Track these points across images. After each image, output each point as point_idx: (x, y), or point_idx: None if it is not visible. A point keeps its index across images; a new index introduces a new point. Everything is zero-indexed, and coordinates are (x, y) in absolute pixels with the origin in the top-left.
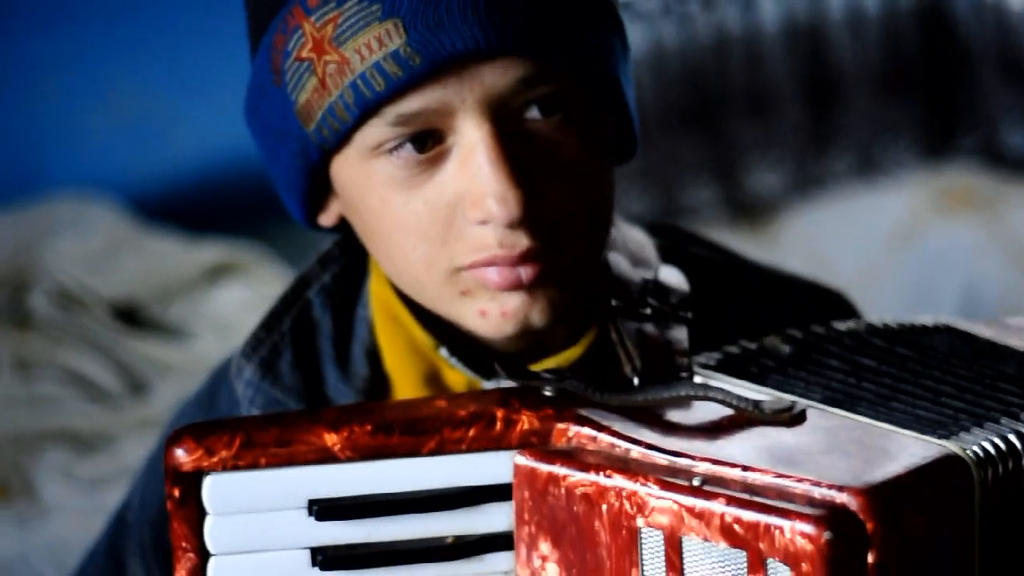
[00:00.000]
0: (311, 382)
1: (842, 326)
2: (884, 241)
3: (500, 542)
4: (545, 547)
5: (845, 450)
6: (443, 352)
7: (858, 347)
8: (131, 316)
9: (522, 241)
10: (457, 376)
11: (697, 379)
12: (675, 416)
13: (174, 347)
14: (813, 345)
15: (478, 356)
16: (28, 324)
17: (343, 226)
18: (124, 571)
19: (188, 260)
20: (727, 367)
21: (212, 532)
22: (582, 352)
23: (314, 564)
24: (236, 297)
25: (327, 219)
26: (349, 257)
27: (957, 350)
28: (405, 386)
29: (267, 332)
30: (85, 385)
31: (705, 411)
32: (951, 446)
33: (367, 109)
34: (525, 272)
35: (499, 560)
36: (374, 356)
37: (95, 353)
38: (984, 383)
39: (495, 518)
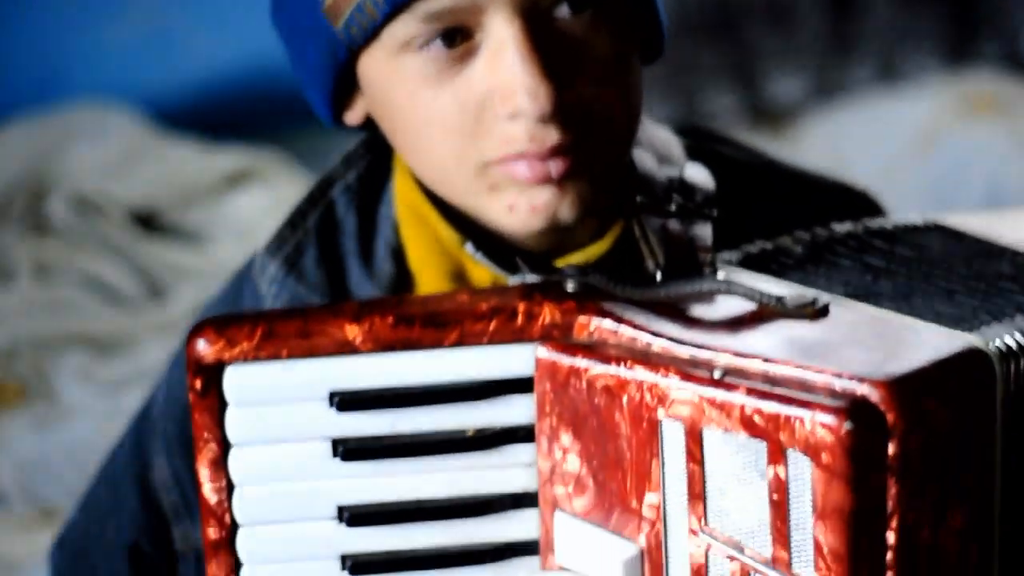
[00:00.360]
0: (335, 279)
1: (843, 228)
2: (905, 147)
3: (521, 434)
4: (566, 439)
5: (867, 343)
6: (468, 248)
7: (862, 248)
8: (149, 222)
9: (552, 135)
10: (482, 273)
11: (720, 275)
12: (697, 310)
13: (192, 252)
14: (823, 245)
15: (503, 253)
16: (47, 230)
17: (367, 125)
18: (149, 467)
19: (207, 166)
20: (750, 263)
21: (233, 423)
22: (607, 248)
23: (335, 455)
24: (254, 203)
25: (353, 117)
26: (374, 156)
27: (951, 250)
28: (429, 284)
29: (291, 230)
30: (104, 289)
31: (727, 305)
32: (974, 340)
33: (397, 5)
34: (555, 166)
35: (520, 452)
36: (398, 254)
37: (114, 258)
38: (987, 282)
39: (516, 411)
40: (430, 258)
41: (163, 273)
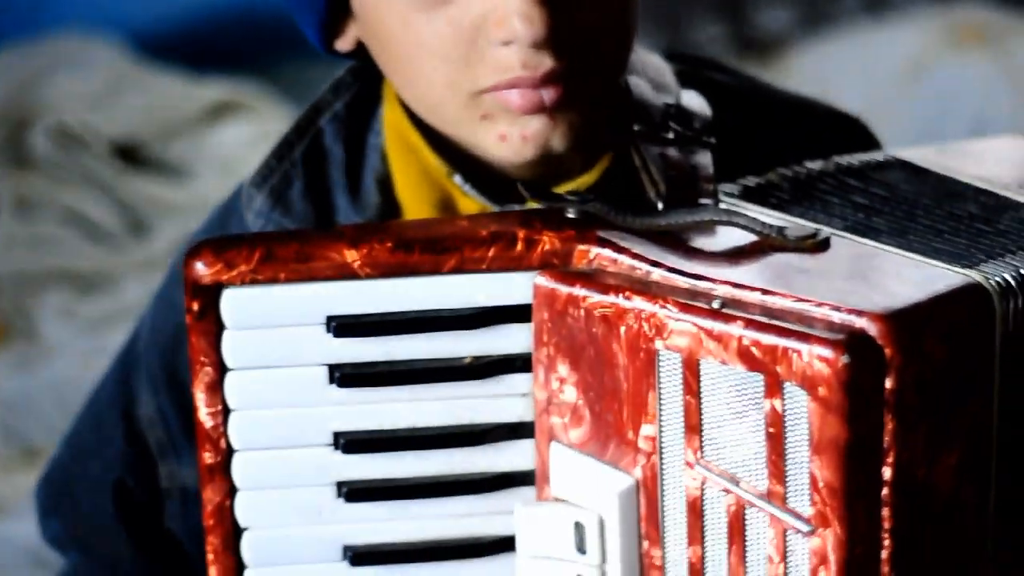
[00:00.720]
0: (322, 211)
1: (818, 165)
2: (894, 77)
3: (518, 363)
4: (563, 369)
5: (867, 277)
6: (457, 179)
7: (841, 185)
8: (132, 154)
9: (545, 62)
10: (471, 204)
11: (721, 206)
12: (698, 241)
13: (175, 186)
14: (807, 181)
15: (492, 183)
16: (28, 163)
17: (357, 52)
18: (134, 403)
19: (190, 98)
20: (751, 195)
21: (229, 346)
22: (595, 179)
23: (331, 381)
24: (238, 136)
25: (344, 44)
26: (362, 84)
27: (920, 189)
28: (417, 215)
29: (278, 161)
30: (86, 225)
31: (728, 236)
32: (974, 275)
33: None
34: (547, 94)
35: (517, 381)
36: (386, 185)
37: (96, 192)
38: (962, 223)
39: (514, 339)
40: (418, 189)
41: (146, 208)
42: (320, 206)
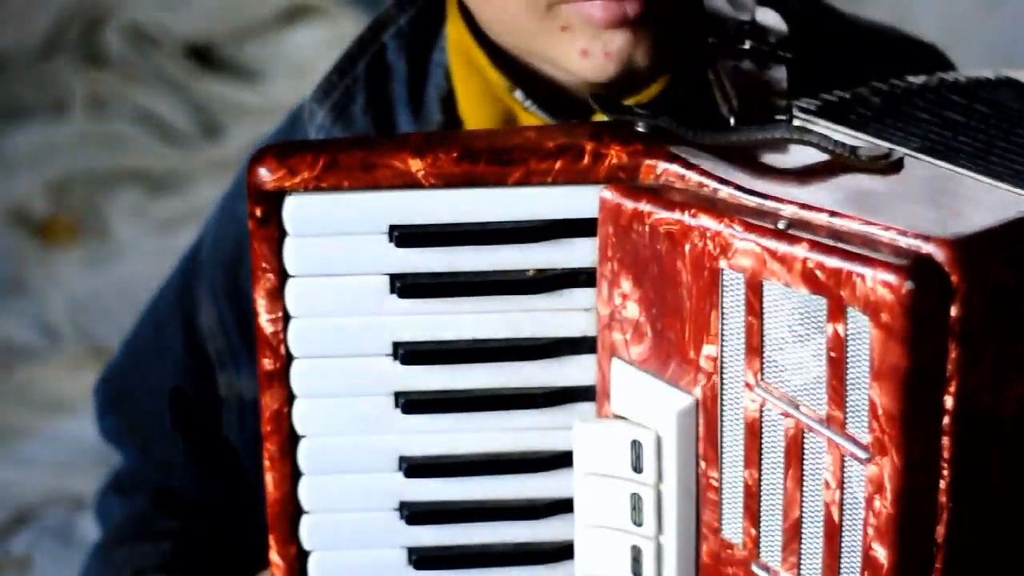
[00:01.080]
0: (383, 127)
1: (919, 80)
2: (970, 3)
3: (582, 278)
4: (627, 285)
5: (938, 200)
6: (518, 95)
7: (940, 102)
8: (205, 55)
9: None
10: (533, 121)
11: (795, 123)
12: (768, 158)
13: (248, 88)
14: (901, 98)
15: (554, 101)
16: (101, 61)
17: None
18: (195, 311)
19: (264, 1)
20: (827, 113)
21: (291, 253)
22: (656, 93)
23: (392, 291)
24: (312, 39)
25: None
26: (426, 1)
27: None
28: None
29: (340, 76)
30: (159, 125)
31: (800, 155)
32: None
33: None
34: (631, 7)
35: (580, 296)
36: (448, 102)
37: (169, 92)
38: None
39: (578, 253)
40: (481, 106)
41: (218, 109)
42: (381, 122)
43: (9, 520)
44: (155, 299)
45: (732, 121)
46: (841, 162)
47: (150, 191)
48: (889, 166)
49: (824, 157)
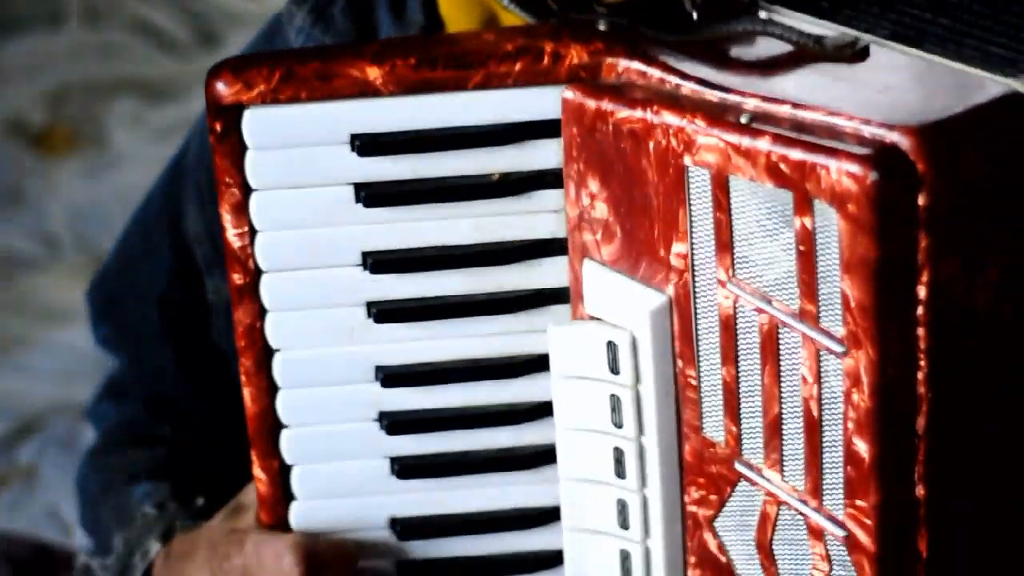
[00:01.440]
0: (364, 29)
1: None
2: None
3: (549, 179)
4: (594, 185)
5: (904, 87)
6: None
7: None
8: None
9: None
10: (514, 20)
11: (761, 14)
12: (731, 52)
13: None
14: None
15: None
16: None
17: None
18: (181, 217)
19: None
20: (794, 2)
21: (253, 166)
22: None
23: (357, 200)
24: None
25: None
26: None
27: None
28: None
29: None
30: (155, 34)
31: (764, 47)
32: (1017, 85)
33: None
34: None
35: (547, 198)
36: (430, 3)
37: (165, 2)
38: None
39: (543, 155)
40: (461, 7)
41: (216, 18)
42: (362, 23)
43: (14, 430)
44: (142, 205)
45: (695, 16)
46: (806, 52)
47: (147, 100)
48: (855, 55)
49: (789, 48)
